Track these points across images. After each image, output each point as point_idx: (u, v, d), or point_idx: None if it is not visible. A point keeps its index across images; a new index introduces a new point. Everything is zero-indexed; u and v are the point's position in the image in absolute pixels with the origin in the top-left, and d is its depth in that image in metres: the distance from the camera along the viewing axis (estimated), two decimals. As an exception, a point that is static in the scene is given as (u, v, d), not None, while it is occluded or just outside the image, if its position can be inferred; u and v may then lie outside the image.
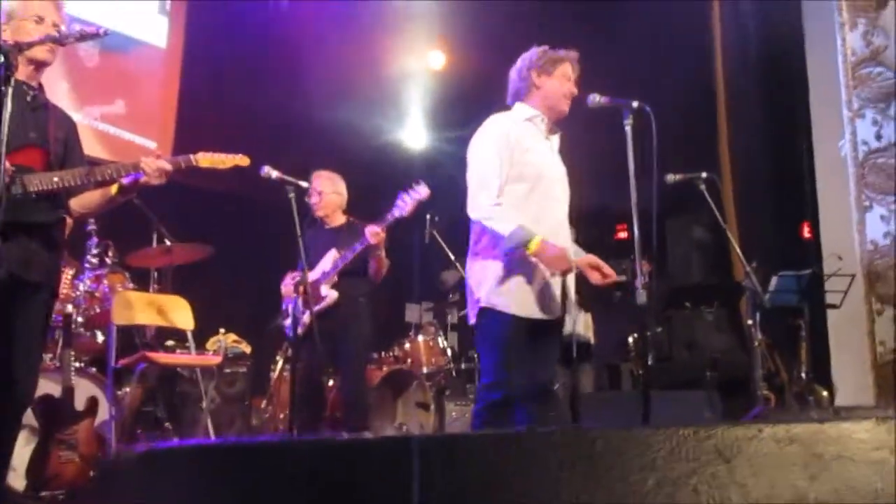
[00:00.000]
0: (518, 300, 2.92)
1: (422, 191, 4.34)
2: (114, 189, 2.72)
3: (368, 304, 4.54)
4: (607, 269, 3.01)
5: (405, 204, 4.31)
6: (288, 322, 4.20)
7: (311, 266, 4.35)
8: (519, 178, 2.97)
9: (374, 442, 1.03)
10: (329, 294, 4.36)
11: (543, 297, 2.96)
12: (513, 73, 3.19)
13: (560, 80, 3.11)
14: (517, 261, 2.92)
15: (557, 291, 3.01)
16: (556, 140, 3.20)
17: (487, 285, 2.95)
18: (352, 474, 1.00)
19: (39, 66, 2.65)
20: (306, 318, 4.16)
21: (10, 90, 2.11)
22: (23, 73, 2.57)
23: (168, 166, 2.66)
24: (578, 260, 3.04)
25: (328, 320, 4.25)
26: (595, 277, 3.00)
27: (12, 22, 2.60)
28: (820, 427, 1.03)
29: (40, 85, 2.69)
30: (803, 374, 5.04)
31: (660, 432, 0.96)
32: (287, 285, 4.37)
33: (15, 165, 2.44)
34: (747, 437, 1.01)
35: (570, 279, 3.11)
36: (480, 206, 2.91)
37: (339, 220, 4.60)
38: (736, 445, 0.99)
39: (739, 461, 0.98)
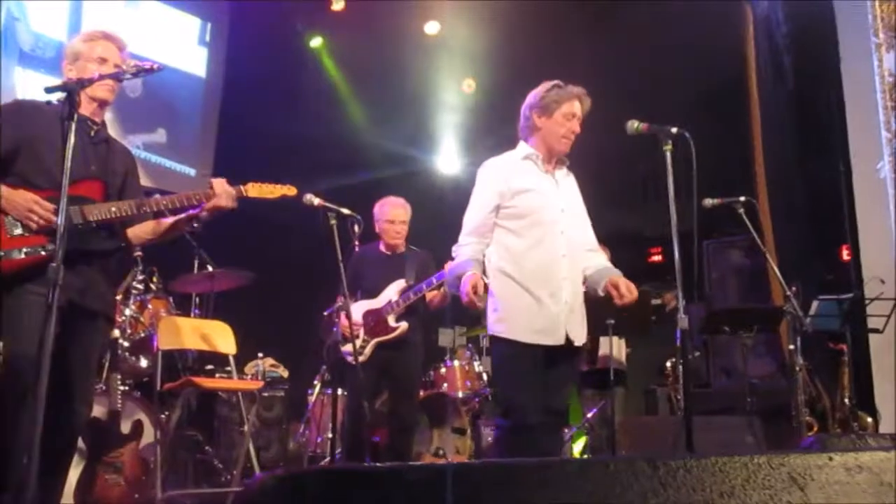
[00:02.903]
0: (520, 326, 3.02)
1: None
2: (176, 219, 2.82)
3: (421, 332, 4.55)
4: (625, 288, 3.06)
5: None
6: (346, 349, 4.21)
7: (364, 291, 4.36)
8: (515, 215, 3.11)
9: (408, 469, 1.05)
10: (401, 325, 4.38)
11: (546, 322, 3.03)
12: (522, 111, 3.25)
13: (559, 120, 3.13)
14: (517, 288, 3.05)
15: (561, 317, 3.04)
16: (561, 174, 3.24)
17: (493, 314, 3.08)
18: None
19: (102, 103, 2.76)
20: (353, 345, 4.16)
21: (73, 125, 2.20)
22: (87, 109, 2.69)
23: (233, 191, 2.75)
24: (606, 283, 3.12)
25: (385, 348, 4.33)
26: (615, 296, 3.07)
27: (78, 62, 2.72)
28: (887, 455, 1.04)
29: (103, 121, 2.80)
30: (846, 401, 4.95)
31: (735, 460, 0.97)
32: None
33: (76, 196, 2.53)
34: (818, 465, 1.02)
35: (579, 304, 3.14)
36: (456, 247, 3.19)
37: (402, 247, 4.60)
38: (808, 473, 1.00)
39: (812, 489, 0.99)
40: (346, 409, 4.20)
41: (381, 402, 4.75)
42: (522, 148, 3.23)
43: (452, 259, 3.24)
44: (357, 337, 4.18)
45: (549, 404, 3.05)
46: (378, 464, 4.07)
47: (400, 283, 4.43)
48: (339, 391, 4.66)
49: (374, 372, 4.24)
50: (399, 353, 4.38)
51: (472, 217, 3.18)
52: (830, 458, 1.03)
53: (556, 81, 3.18)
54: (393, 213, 4.49)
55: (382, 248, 4.54)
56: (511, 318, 3.04)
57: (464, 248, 3.15)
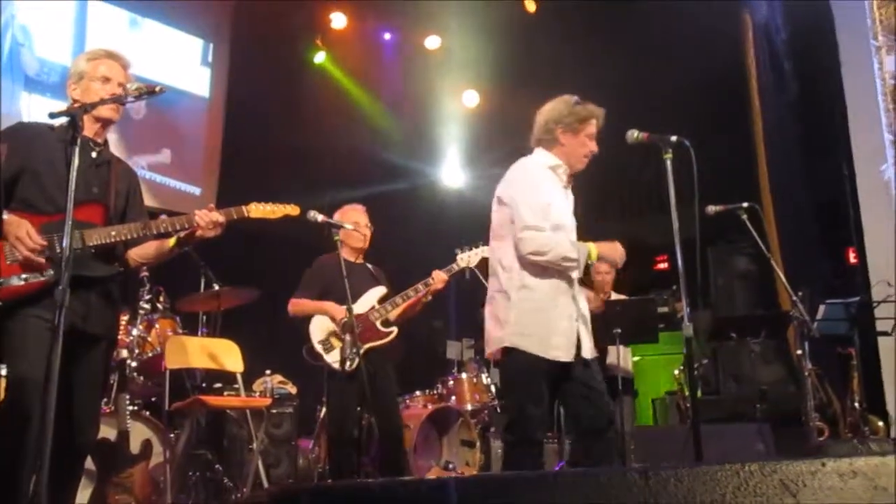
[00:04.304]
0: (540, 341, 3.00)
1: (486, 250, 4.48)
2: (171, 242, 2.80)
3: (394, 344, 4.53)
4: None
5: (468, 257, 4.39)
6: (331, 359, 4.18)
7: (335, 298, 4.24)
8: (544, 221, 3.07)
9: (412, 484, 1.05)
10: (392, 330, 4.35)
11: (562, 338, 3.03)
12: (539, 119, 3.21)
13: (583, 140, 3.13)
14: (538, 302, 3.02)
15: (575, 335, 3.06)
16: (569, 192, 3.25)
17: (510, 325, 3.03)
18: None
19: (105, 123, 2.77)
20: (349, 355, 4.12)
21: (76, 149, 2.22)
22: (90, 130, 2.70)
23: (221, 218, 2.72)
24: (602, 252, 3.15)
25: (374, 355, 4.29)
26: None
27: (82, 82, 2.72)
28: (882, 460, 1.04)
29: (105, 141, 2.81)
30: (857, 405, 4.92)
31: (727, 468, 0.97)
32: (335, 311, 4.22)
33: (77, 221, 2.53)
34: (811, 471, 1.02)
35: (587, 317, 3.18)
36: (533, 240, 2.99)
37: (362, 258, 4.55)
38: (801, 480, 1.00)
39: (805, 495, 0.99)
40: (335, 423, 4.12)
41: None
42: (545, 156, 3.18)
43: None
44: (344, 345, 4.10)
45: (590, 423, 3.05)
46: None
47: (380, 290, 4.40)
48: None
49: (364, 380, 4.16)
50: (386, 359, 4.34)
51: (535, 203, 3.05)
52: (823, 464, 1.03)
53: (576, 98, 3.17)
54: (357, 217, 4.46)
55: (348, 257, 4.47)
56: (531, 332, 3.01)
57: (546, 235, 3.02)
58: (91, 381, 2.67)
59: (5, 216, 2.52)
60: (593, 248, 3.07)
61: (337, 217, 4.42)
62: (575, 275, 3.10)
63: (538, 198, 3.05)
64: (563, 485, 0.91)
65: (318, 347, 4.22)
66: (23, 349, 2.46)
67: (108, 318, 2.76)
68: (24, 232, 2.48)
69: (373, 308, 4.34)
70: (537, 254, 2.99)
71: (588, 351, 3.11)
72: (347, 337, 3.99)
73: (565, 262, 3.01)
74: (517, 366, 3.04)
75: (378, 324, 4.33)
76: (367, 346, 4.24)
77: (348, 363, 4.01)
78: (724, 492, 0.95)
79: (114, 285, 2.76)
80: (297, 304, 4.32)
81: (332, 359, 4.14)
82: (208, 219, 2.70)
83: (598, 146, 3.28)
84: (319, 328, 4.27)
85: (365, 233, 4.46)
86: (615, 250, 3.17)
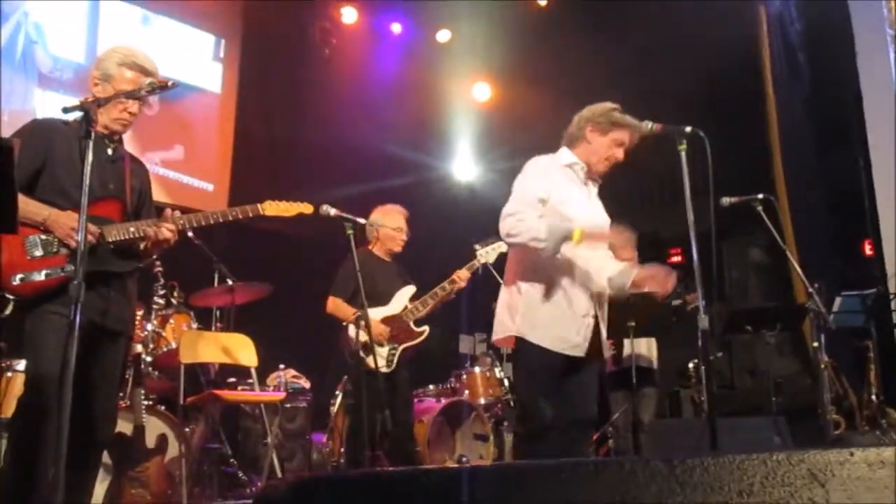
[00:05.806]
0: (551, 334, 3.01)
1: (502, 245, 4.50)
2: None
3: None
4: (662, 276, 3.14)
5: (487, 252, 4.40)
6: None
7: (369, 297, 4.30)
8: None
9: (429, 473, 1.04)
10: (424, 329, 4.40)
11: (576, 333, 3.04)
12: (574, 118, 3.26)
13: (609, 143, 3.15)
14: (552, 293, 3.03)
15: (589, 329, 3.07)
16: (594, 191, 3.26)
17: (520, 315, 3.04)
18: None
19: (114, 132, 2.77)
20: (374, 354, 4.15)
21: (90, 143, 2.22)
22: (104, 127, 2.70)
23: (167, 236, 2.69)
24: (637, 279, 3.16)
25: (406, 354, 4.33)
26: (655, 286, 3.14)
27: (106, 84, 2.70)
28: (910, 451, 1.03)
29: (120, 139, 2.82)
30: (874, 397, 4.88)
31: (753, 457, 0.96)
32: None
33: (95, 217, 2.56)
34: (839, 461, 1.01)
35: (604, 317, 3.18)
36: (507, 224, 2.97)
37: (389, 255, 4.60)
38: (829, 469, 0.99)
39: (833, 485, 0.98)
40: (359, 419, 4.16)
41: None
42: (566, 154, 3.22)
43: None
44: (382, 345, 4.17)
45: (577, 415, 3.06)
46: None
47: (411, 289, 4.45)
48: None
49: (396, 379, 4.20)
50: (415, 358, 4.39)
51: (525, 192, 3.05)
52: (851, 454, 1.02)
53: (616, 105, 3.21)
54: (400, 221, 4.53)
55: (379, 254, 4.50)
56: (539, 324, 3.03)
57: (516, 219, 2.98)
58: (109, 376, 2.68)
59: (47, 212, 2.53)
60: (578, 230, 2.94)
61: (379, 216, 4.47)
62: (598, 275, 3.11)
63: (532, 190, 3.04)
64: (584, 474, 0.90)
65: (363, 350, 4.26)
66: (41, 345, 2.48)
67: (126, 314, 2.77)
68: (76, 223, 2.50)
69: (406, 308, 4.36)
70: (509, 236, 2.98)
71: (602, 350, 3.14)
72: (385, 343, 4.08)
73: (533, 243, 2.94)
74: (527, 356, 3.06)
75: (412, 323, 4.35)
76: (403, 346, 4.28)
77: (389, 365, 4.07)
78: (752, 481, 0.94)
79: (131, 281, 2.78)
80: (336, 306, 4.36)
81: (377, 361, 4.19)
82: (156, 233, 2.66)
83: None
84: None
85: (404, 238, 4.52)
86: (608, 235, 3.13)
